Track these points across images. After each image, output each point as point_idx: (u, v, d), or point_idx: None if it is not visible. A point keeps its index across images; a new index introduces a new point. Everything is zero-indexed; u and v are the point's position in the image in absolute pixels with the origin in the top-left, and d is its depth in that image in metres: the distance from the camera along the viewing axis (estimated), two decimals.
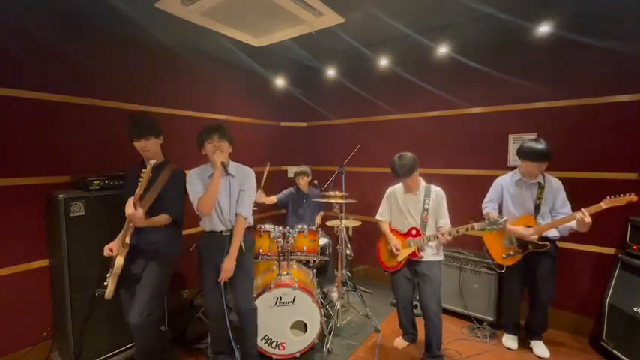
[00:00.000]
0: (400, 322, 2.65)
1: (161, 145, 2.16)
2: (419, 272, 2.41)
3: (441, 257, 2.46)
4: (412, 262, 2.43)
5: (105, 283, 1.97)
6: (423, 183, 2.46)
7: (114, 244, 2.05)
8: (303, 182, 3.59)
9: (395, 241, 2.45)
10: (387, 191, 2.59)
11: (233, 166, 2.19)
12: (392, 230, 2.54)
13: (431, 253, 2.42)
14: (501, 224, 2.17)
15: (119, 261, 1.92)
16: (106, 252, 2.03)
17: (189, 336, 2.81)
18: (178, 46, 3.20)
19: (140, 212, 1.87)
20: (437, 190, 2.44)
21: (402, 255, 2.43)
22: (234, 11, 2.49)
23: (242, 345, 2.28)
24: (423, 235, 2.38)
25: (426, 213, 2.40)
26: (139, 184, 1.82)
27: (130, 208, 1.86)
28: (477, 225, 2.22)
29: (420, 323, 2.44)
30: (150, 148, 2.06)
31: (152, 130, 2.07)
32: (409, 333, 2.64)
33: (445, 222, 2.42)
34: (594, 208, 2.15)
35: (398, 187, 2.54)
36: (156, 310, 2.07)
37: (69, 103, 2.57)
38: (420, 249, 2.39)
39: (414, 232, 2.42)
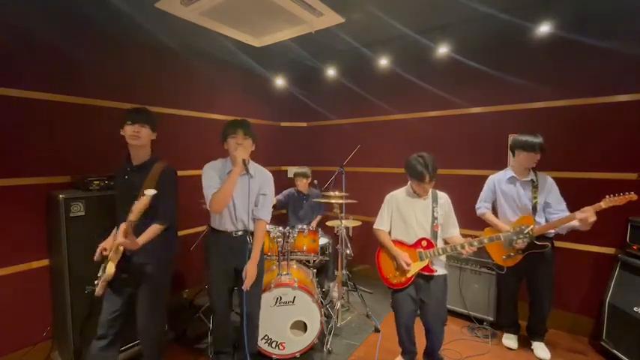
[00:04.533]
0: (400, 341, 2.32)
1: (154, 143, 2.04)
2: (427, 290, 2.15)
3: (446, 271, 2.23)
4: (421, 277, 2.16)
5: (96, 282, 1.88)
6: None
7: (108, 243, 1.96)
8: (302, 184, 3.59)
9: (404, 255, 2.15)
10: (387, 197, 2.31)
11: (253, 167, 2.13)
12: (394, 242, 2.24)
13: (441, 267, 2.19)
14: (527, 234, 2.05)
15: (110, 269, 1.80)
16: (98, 255, 1.93)
17: (189, 336, 2.81)
18: (178, 46, 3.20)
19: (131, 240, 1.74)
20: (444, 196, 2.23)
21: (414, 270, 2.13)
22: (234, 11, 2.49)
23: (242, 345, 2.22)
24: (436, 246, 2.14)
25: (436, 221, 2.16)
26: (132, 210, 1.66)
27: (120, 238, 1.72)
28: (502, 235, 2.10)
29: (419, 325, 2.39)
30: (142, 135, 1.89)
31: (149, 119, 1.93)
32: (409, 352, 2.34)
33: (456, 232, 2.23)
34: (594, 208, 2.14)
35: (399, 193, 2.28)
36: (161, 316, 2.03)
37: (69, 103, 2.57)
38: (431, 262, 2.15)
39: (424, 243, 2.15)
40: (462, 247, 2.06)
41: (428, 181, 2.06)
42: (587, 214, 2.11)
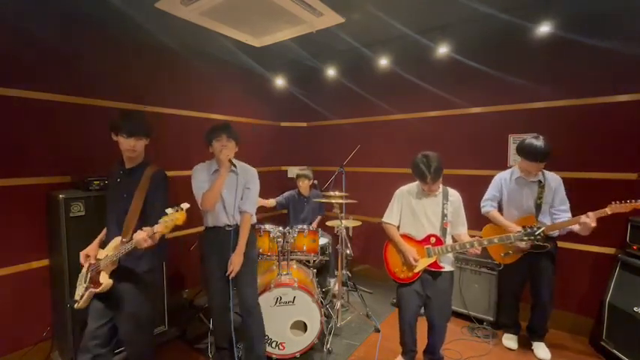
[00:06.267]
0: (402, 339, 2.32)
1: (154, 142, 2.01)
2: (433, 285, 2.15)
3: (453, 268, 2.22)
4: (428, 273, 2.16)
5: (79, 294, 1.81)
6: (440, 185, 2.20)
7: (91, 250, 1.88)
8: (304, 185, 3.59)
9: (412, 250, 2.15)
10: (397, 192, 2.31)
11: (237, 165, 2.23)
12: (402, 236, 2.24)
13: (448, 264, 2.18)
14: (539, 235, 1.97)
15: (106, 279, 1.73)
16: (84, 261, 1.86)
17: (189, 336, 2.81)
18: (178, 46, 3.20)
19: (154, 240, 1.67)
20: (455, 194, 2.22)
21: (421, 265, 2.14)
22: (234, 11, 2.49)
23: (248, 344, 2.25)
24: (445, 243, 2.13)
25: (446, 219, 2.15)
26: (160, 222, 1.60)
27: (147, 242, 1.64)
28: (513, 236, 2.04)
29: (420, 324, 2.40)
30: (138, 149, 1.84)
31: (146, 130, 1.87)
32: (410, 351, 2.33)
33: (464, 230, 2.23)
34: (599, 213, 2.12)
35: (410, 188, 2.27)
36: (148, 329, 1.95)
37: (69, 103, 2.57)
38: (439, 259, 2.15)
39: (432, 239, 2.14)
40: (472, 245, 2.06)
41: (430, 181, 2.06)
42: (590, 220, 2.10)
